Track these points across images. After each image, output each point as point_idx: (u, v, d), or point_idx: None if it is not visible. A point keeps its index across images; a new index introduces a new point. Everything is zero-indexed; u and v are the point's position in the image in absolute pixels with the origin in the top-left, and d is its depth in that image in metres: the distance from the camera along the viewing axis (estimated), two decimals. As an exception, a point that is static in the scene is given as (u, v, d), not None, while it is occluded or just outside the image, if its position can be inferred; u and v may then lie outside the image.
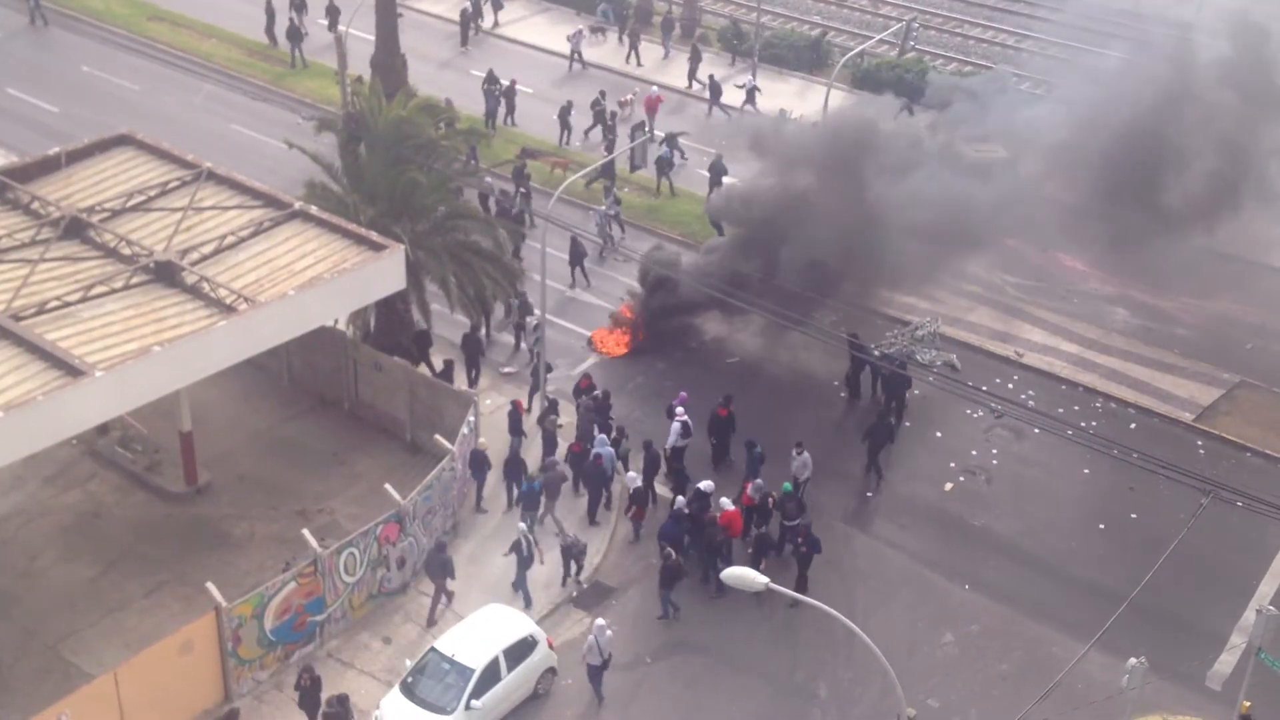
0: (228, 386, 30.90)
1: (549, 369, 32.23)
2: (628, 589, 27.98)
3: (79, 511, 28.80)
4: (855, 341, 33.43)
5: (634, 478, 29.01)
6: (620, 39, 53.83)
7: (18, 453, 23.83)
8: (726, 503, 28.17)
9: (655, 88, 47.56)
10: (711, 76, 49.04)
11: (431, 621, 26.69)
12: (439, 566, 26.72)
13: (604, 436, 30.15)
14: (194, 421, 28.89)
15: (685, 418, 30.57)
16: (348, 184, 32.75)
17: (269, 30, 51.62)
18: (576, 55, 51.60)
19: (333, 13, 51.25)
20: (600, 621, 25.72)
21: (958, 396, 32.22)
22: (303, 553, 25.88)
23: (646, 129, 44.36)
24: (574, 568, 27.81)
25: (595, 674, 25.41)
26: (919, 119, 41.67)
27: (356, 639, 26.37)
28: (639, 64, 51.76)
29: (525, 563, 27.23)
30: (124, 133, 32.01)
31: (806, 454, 29.46)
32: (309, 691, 23.83)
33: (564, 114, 45.31)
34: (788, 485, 28.43)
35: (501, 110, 46.38)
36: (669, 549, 27.01)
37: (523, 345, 34.78)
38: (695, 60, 50.33)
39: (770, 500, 28.52)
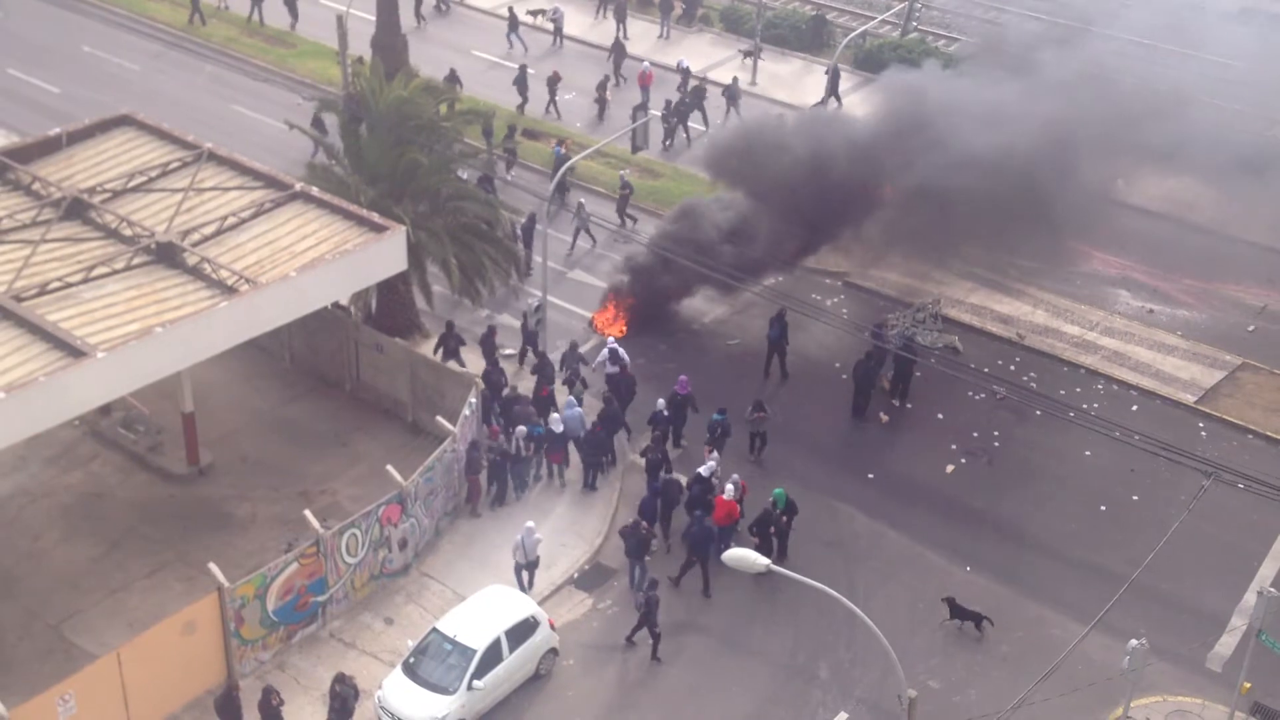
0: (229, 367, 30.92)
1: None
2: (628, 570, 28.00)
3: (81, 492, 28.85)
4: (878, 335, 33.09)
5: (556, 419, 29.55)
6: (599, 13, 53.76)
7: (20, 433, 23.85)
8: (730, 490, 28.04)
9: (647, 63, 47.40)
10: (511, 8, 50.58)
11: (474, 513, 28.79)
12: (472, 463, 28.38)
13: (573, 399, 30.63)
14: (196, 402, 28.91)
15: (615, 345, 31.75)
16: (349, 165, 32.71)
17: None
18: (558, 32, 51.51)
19: None
20: (530, 524, 26.84)
21: (959, 378, 32.19)
22: (305, 534, 25.94)
23: (648, 108, 44.30)
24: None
25: (517, 570, 26.86)
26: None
27: (358, 620, 26.43)
28: (625, 36, 51.53)
29: (521, 471, 29.16)
30: (125, 113, 31.96)
31: (717, 454, 29.10)
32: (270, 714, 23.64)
33: (601, 89, 45.61)
34: (779, 491, 28.03)
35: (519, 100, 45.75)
36: (642, 523, 27.31)
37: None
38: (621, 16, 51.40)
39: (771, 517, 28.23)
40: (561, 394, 31.21)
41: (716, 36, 53.32)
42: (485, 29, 52.71)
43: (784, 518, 27.91)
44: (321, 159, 35.69)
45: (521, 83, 45.41)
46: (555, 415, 29.71)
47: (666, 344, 34.97)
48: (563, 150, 40.52)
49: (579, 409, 30.39)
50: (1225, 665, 26.08)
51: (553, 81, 45.64)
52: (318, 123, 41.53)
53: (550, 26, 51.77)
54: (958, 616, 26.61)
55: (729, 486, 28.07)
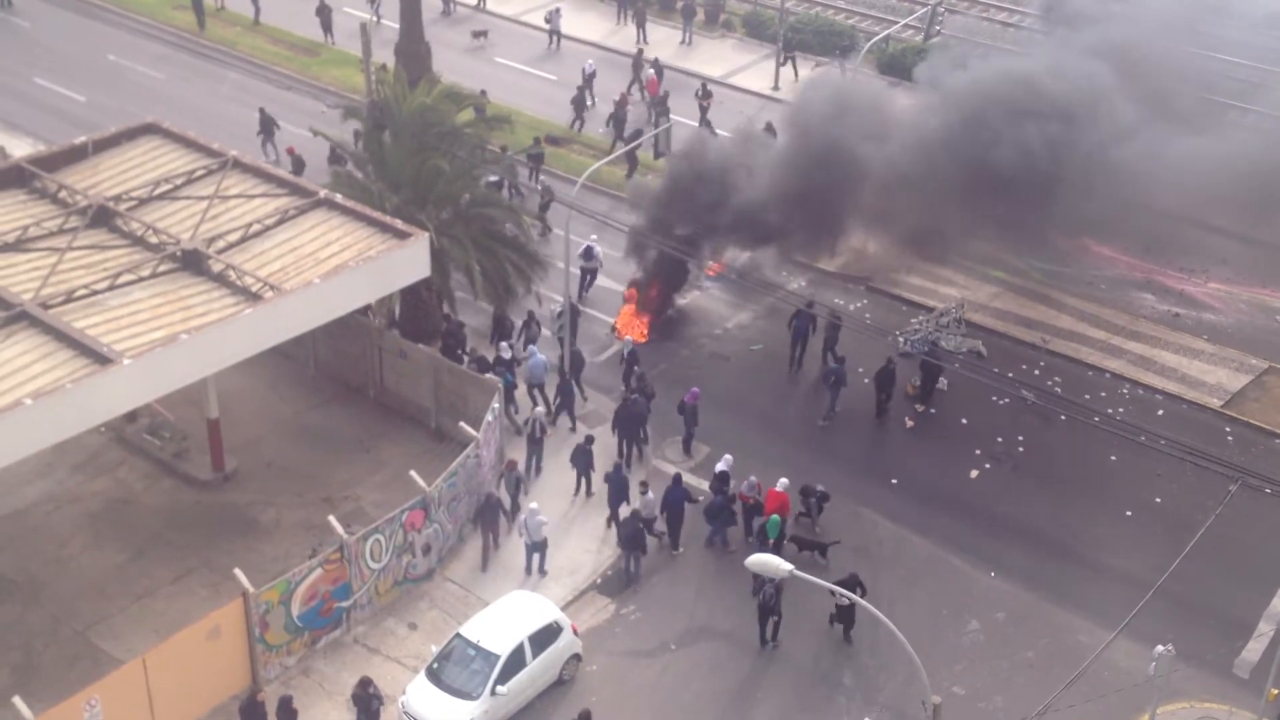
0: (254, 374, 31.06)
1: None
2: (651, 575, 28.02)
3: (108, 498, 29.01)
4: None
5: (505, 346, 32.15)
6: (619, 19, 53.83)
7: (47, 440, 24.03)
8: (785, 483, 28.10)
9: (651, 69, 47.28)
10: None
11: (484, 568, 27.83)
12: (490, 512, 27.74)
13: (534, 348, 31.98)
14: (221, 409, 29.05)
15: (593, 242, 35.31)
16: (372, 172, 32.83)
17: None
18: (554, 33, 51.58)
19: None
20: (533, 505, 27.32)
21: (983, 383, 32.06)
22: (329, 539, 26.02)
23: (669, 115, 44.29)
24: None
25: (528, 550, 27.50)
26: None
27: (382, 625, 26.50)
28: (645, 41, 51.58)
29: (537, 444, 29.92)
30: (150, 121, 32.18)
31: (651, 493, 28.52)
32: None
33: (661, 102, 45.31)
34: (775, 519, 27.74)
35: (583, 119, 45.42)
36: (641, 514, 27.69)
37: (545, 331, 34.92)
38: (641, 22, 51.92)
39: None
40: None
41: (739, 42, 53.30)
42: (506, 34, 52.85)
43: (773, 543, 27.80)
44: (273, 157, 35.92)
45: (580, 103, 45.08)
46: (504, 344, 32.17)
47: (689, 350, 34.97)
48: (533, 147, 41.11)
49: (541, 357, 31.83)
50: (1252, 671, 25.88)
51: (620, 105, 45.08)
52: (266, 125, 41.76)
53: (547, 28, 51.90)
54: (805, 549, 27.50)
55: (782, 480, 28.19)
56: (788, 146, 36.04)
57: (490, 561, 27.96)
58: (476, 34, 51.50)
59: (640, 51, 48.93)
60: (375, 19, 51.18)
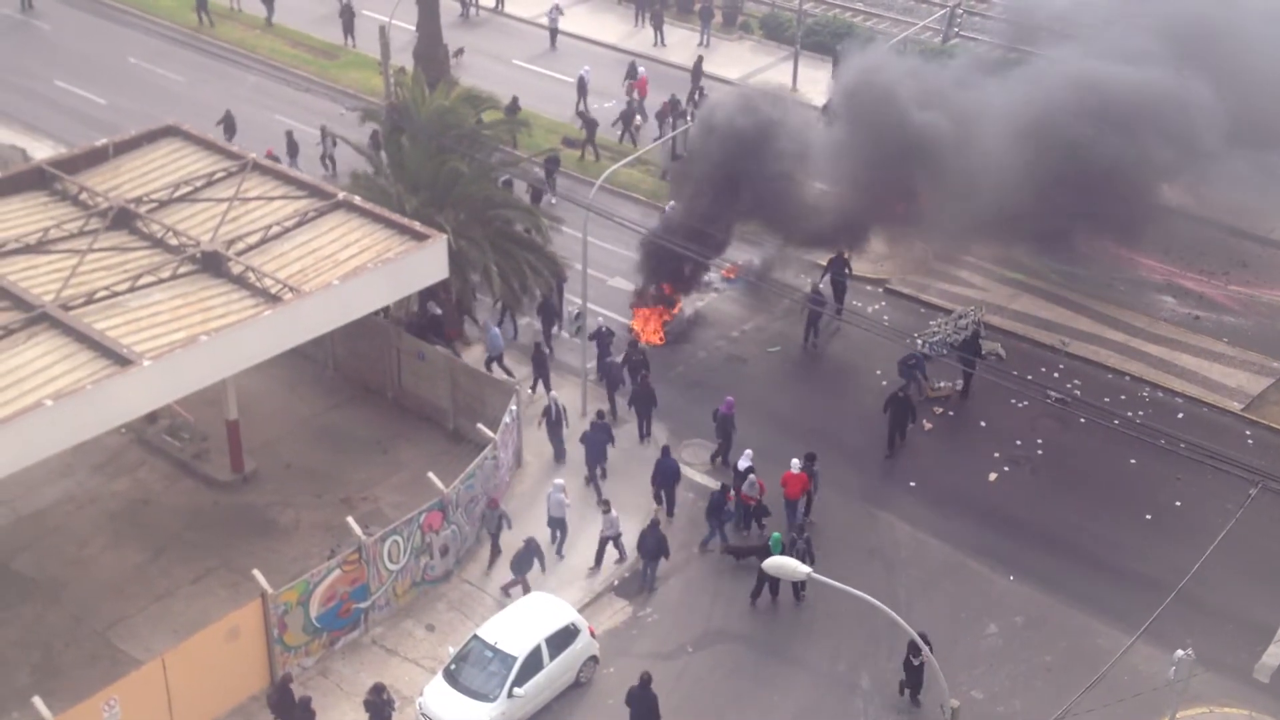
0: (273, 375, 31.16)
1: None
2: (669, 578, 28.02)
3: (127, 499, 29.14)
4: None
5: (432, 304, 32.26)
6: (638, 20, 53.84)
7: (67, 441, 24.17)
8: (797, 463, 28.43)
9: (642, 69, 47.19)
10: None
11: (505, 594, 27.25)
12: (526, 557, 27.06)
13: (489, 321, 33.17)
14: (240, 410, 29.14)
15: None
16: (391, 174, 32.92)
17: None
18: (554, 31, 51.61)
19: None
20: (559, 481, 27.92)
21: (1003, 386, 31.96)
22: (347, 540, 26.10)
23: (687, 117, 44.25)
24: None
25: (549, 525, 27.98)
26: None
27: (400, 626, 26.55)
28: (663, 43, 51.78)
29: (555, 426, 30.23)
30: (170, 124, 32.32)
31: (615, 512, 28.12)
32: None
33: (675, 104, 45.10)
34: (776, 535, 27.29)
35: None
36: (659, 522, 27.80)
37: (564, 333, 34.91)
38: (658, 24, 52.13)
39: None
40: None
41: (757, 44, 53.27)
42: (524, 37, 52.91)
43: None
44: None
45: (628, 118, 44.70)
46: (431, 302, 32.17)
47: (705, 351, 34.95)
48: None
49: (497, 329, 32.87)
50: (1273, 676, 25.76)
51: (661, 115, 44.72)
52: (228, 122, 41.94)
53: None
54: (741, 556, 27.85)
55: (794, 460, 28.43)
56: (850, 134, 35.63)
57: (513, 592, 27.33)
58: (454, 53, 51.16)
59: (700, 59, 48.47)
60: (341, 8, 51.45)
